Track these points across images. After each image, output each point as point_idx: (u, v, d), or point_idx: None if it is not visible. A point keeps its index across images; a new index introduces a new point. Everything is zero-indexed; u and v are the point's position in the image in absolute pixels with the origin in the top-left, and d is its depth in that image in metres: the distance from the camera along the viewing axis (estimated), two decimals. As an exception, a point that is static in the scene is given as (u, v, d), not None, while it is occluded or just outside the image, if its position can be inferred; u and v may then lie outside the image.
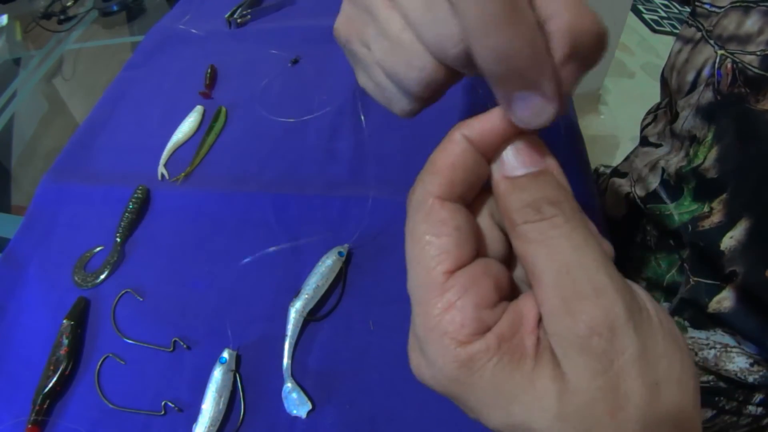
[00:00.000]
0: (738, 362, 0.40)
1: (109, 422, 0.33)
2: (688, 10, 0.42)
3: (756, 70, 0.33)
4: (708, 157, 0.38)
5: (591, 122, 1.72)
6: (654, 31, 2.05)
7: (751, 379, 0.40)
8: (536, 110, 0.16)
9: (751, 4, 0.34)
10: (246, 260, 0.38)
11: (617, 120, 1.73)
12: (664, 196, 0.44)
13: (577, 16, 0.16)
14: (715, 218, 0.38)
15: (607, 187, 0.54)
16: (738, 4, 0.35)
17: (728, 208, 0.37)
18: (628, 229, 0.48)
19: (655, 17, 2.12)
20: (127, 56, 0.61)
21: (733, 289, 0.39)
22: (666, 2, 2.20)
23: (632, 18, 2.08)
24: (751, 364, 0.40)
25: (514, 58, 0.15)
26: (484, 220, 0.19)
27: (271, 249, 0.39)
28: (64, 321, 0.36)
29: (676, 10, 2.15)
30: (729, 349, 0.40)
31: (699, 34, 0.39)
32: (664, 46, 1.96)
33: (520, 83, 0.16)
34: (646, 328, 0.15)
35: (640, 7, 2.16)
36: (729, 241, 0.37)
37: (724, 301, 0.39)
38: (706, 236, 0.39)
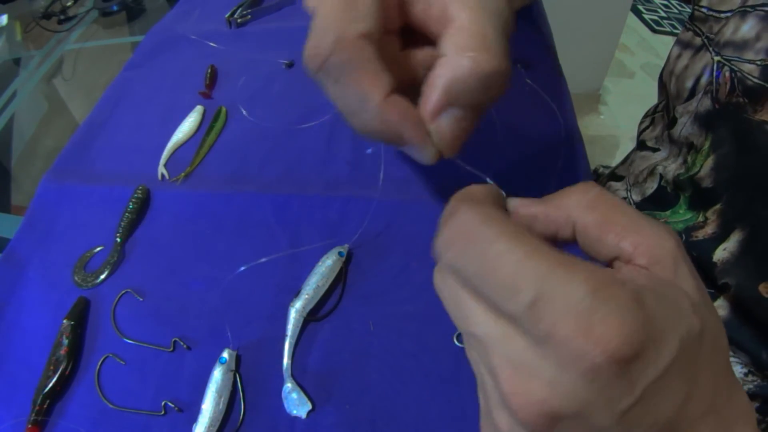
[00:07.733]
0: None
1: (109, 422, 0.33)
2: (689, 10, 0.42)
3: (756, 80, 0.32)
4: (704, 166, 0.38)
5: (591, 122, 1.72)
6: (654, 31, 2.05)
7: (745, 388, 0.39)
8: (417, 156, 0.21)
9: (749, 9, 0.33)
10: (242, 268, 0.38)
11: (617, 120, 1.73)
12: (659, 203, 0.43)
13: (458, 66, 0.19)
14: (709, 229, 0.38)
15: None
16: (738, 9, 0.34)
17: (722, 218, 0.37)
18: None
19: (655, 17, 2.12)
20: (127, 56, 0.61)
21: (727, 300, 0.38)
22: (666, 2, 2.20)
23: (632, 18, 2.08)
24: (746, 374, 0.39)
25: (375, 135, 0.21)
26: None
27: (265, 259, 0.39)
28: (64, 321, 0.36)
29: (676, 10, 2.15)
30: None
31: (699, 40, 0.39)
32: (664, 46, 1.96)
33: (397, 142, 0.21)
34: None
35: (640, 7, 2.16)
36: (722, 253, 0.37)
37: (718, 309, 0.39)
38: (699, 247, 0.39)
